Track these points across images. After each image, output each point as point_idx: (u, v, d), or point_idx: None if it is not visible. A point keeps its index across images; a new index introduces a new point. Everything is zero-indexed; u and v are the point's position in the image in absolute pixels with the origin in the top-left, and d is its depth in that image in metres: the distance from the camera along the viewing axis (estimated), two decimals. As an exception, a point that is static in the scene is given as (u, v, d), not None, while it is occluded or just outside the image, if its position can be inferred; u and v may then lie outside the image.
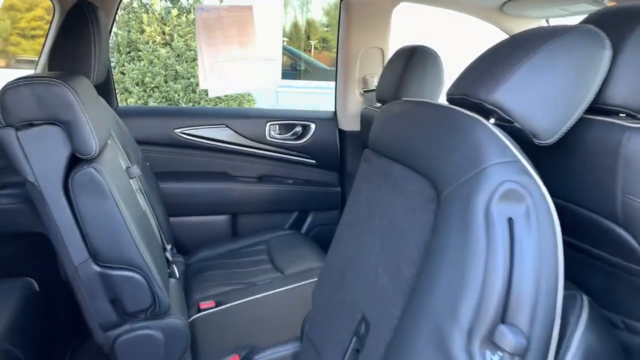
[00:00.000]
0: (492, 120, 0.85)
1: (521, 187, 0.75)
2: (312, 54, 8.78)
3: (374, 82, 2.22)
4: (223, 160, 2.30)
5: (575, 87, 0.83)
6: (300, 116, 2.37)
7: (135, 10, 4.59)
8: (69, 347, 1.86)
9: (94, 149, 1.17)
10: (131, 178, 1.50)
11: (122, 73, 4.38)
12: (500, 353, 0.74)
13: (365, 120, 2.10)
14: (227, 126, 2.27)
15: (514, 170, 0.76)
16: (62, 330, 1.84)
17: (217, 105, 3.95)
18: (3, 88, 1.10)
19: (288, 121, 2.35)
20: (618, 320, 0.93)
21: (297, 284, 1.70)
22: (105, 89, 2.12)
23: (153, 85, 4.34)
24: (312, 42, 9.04)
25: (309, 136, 2.34)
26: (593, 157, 0.88)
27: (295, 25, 9.24)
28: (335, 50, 2.35)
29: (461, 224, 0.77)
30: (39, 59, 1.94)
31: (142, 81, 4.33)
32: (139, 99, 4.32)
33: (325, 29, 9.44)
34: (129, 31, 4.48)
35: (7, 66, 5.60)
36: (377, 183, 1.08)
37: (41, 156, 1.15)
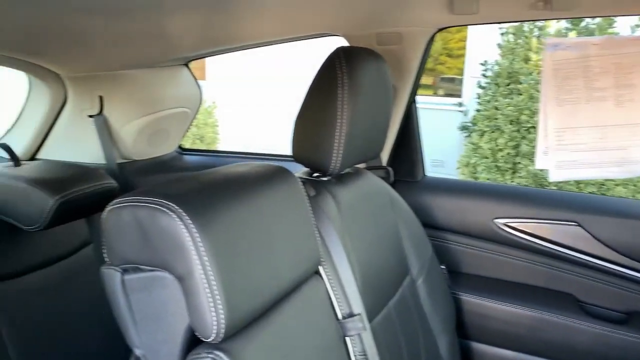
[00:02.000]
0: None
1: None
2: None
3: None
4: (568, 276, 1.47)
5: None
6: None
7: (526, 34, 3.91)
8: None
9: (212, 331, 0.66)
10: (347, 336, 0.93)
11: (496, 109, 3.78)
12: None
13: None
14: (578, 224, 1.42)
15: None
16: None
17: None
18: (108, 206, 0.71)
19: None
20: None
21: None
22: (406, 155, 1.61)
23: (530, 125, 3.58)
24: None
25: None
26: None
27: None
28: None
29: None
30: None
31: (517, 119, 3.63)
32: (510, 140, 3.64)
33: None
34: (513, 59, 3.83)
35: (433, 84, 6.24)
36: None
37: (150, 317, 0.71)
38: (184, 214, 0.65)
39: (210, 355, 0.67)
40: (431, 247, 1.39)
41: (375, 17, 1.40)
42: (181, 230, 0.65)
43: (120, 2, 0.99)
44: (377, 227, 1.18)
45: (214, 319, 0.65)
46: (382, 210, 1.23)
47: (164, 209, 0.66)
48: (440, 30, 1.43)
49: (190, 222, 0.65)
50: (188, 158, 1.85)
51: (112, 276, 0.71)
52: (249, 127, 6.42)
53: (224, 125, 5.79)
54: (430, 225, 1.52)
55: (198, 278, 0.65)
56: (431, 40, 1.48)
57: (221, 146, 5.56)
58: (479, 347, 1.51)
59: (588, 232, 1.40)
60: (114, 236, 0.70)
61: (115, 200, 0.70)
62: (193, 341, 0.70)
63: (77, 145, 1.68)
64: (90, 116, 1.60)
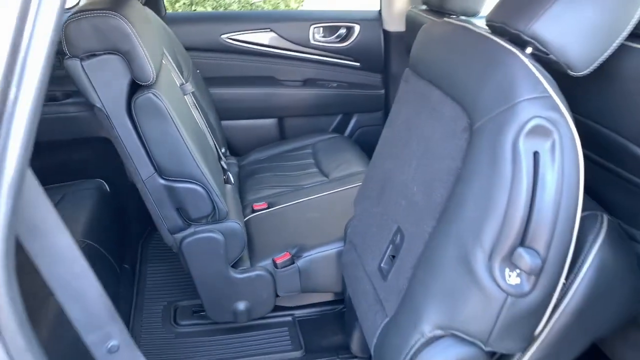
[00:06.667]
0: (529, 50, 0.88)
1: (549, 123, 0.80)
2: None
3: (420, -19, 2.16)
4: (269, 65, 2.36)
5: (616, 16, 0.84)
6: (343, 17, 2.35)
7: None
8: (140, 240, 2.11)
9: (151, 75, 1.26)
10: (185, 95, 1.60)
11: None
12: (517, 271, 0.85)
13: (410, 22, 2.08)
14: (271, 30, 2.29)
15: (544, 106, 0.80)
16: (132, 226, 2.07)
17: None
18: (65, 22, 1.19)
19: (331, 23, 2.34)
20: (637, 234, 1.01)
21: (341, 189, 1.83)
22: (153, -3, 2.16)
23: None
24: None
25: (353, 38, 2.34)
26: (631, 83, 0.91)
27: None
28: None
29: (490, 156, 0.84)
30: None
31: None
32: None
33: None
34: None
35: None
36: (416, 106, 1.13)
37: (105, 83, 1.26)
38: (123, 16, 1.21)
39: (151, 90, 1.27)
40: (191, 61, 2.05)
41: None
42: (125, 24, 1.21)
43: None
44: None
45: (151, 68, 1.25)
46: None
47: (112, 15, 1.20)
48: None
49: (128, 19, 1.21)
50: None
51: (74, 64, 1.22)
52: None
53: None
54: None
55: (138, 48, 1.23)
56: None
57: None
58: (234, 123, 2.32)
59: (277, 34, 2.29)
60: (74, 35, 1.19)
61: (71, 16, 1.19)
62: (133, 90, 1.29)
63: None
64: None
